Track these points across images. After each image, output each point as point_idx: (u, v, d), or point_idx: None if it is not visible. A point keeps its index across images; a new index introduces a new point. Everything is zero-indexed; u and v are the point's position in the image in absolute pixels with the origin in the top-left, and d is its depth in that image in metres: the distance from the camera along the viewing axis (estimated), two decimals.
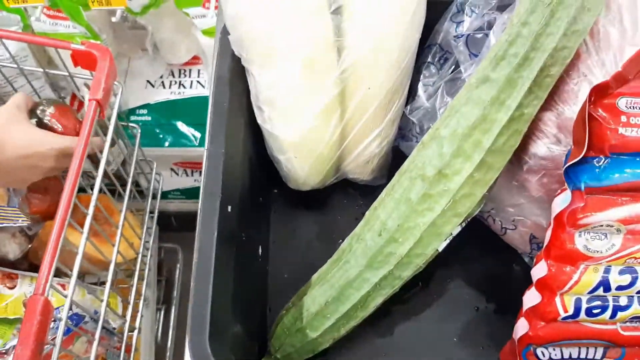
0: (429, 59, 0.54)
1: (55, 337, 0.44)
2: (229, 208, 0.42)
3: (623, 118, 0.35)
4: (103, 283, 0.71)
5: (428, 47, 0.54)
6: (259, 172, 0.54)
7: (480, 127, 0.41)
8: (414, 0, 0.46)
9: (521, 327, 0.43)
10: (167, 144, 0.94)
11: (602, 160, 0.36)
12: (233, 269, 0.42)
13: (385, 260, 0.45)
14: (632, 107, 0.35)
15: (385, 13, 0.46)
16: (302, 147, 0.51)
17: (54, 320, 0.46)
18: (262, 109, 0.49)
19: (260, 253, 0.53)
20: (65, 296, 0.46)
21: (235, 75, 0.48)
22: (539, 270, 0.41)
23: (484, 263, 0.54)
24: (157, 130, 0.94)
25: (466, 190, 0.43)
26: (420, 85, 0.54)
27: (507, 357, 0.47)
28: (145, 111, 0.96)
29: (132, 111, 0.95)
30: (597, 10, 0.38)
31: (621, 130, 0.35)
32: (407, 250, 0.44)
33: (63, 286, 0.60)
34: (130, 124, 0.67)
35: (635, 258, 0.39)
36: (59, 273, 0.53)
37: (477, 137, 0.41)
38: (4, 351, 0.60)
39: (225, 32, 0.48)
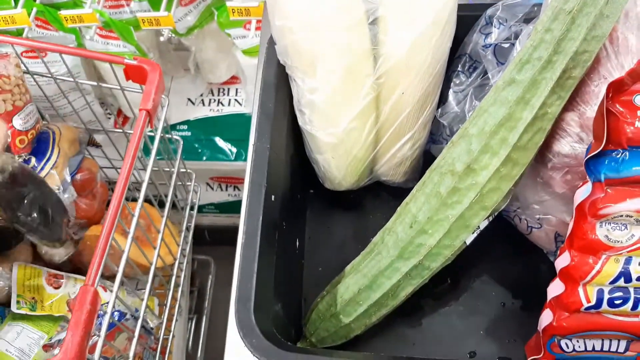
0: (459, 68, 0.58)
1: (100, 330, 0.47)
2: (273, 197, 0.46)
3: (639, 113, 0.38)
4: (141, 289, 0.75)
5: (458, 57, 0.58)
6: (298, 172, 0.58)
7: (507, 124, 0.44)
8: (445, 14, 0.50)
9: (545, 317, 0.46)
10: (205, 157, 0.99)
11: (621, 153, 0.39)
12: (275, 252, 0.46)
13: (416, 251, 0.48)
14: None
15: (419, 25, 0.50)
16: (339, 149, 0.55)
17: (99, 316, 0.49)
18: (304, 112, 0.54)
19: (297, 246, 0.57)
20: (111, 291, 0.49)
21: (279, 81, 0.53)
22: (562, 261, 0.43)
23: (511, 262, 0.56)
24: (196, 145, 1.00)
25: (493, 184, 0.45)
26: (450, 92, 0.57)
27: (532, 350, 0.49)
28: (185, 127, 1.02)
29: (173, 127, 1.01)
30: (615, 17, 0.41)
31: (638, 124, 0.38)
32: (437, 242, 0.47)
33: (104, 289, 0.64)
34: (174, 136, 0.72)
35: None
36: (102, 277, 0.58)
37: (504, 134, 0.44)
38: (49, 344, 0.64)
39: (271, 42, 0.53)
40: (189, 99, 1.05)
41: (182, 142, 0.73)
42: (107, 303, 0.59)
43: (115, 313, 0.64)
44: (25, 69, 0.64)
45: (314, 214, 0.62)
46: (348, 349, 0.51)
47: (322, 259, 0.58)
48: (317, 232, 0.61)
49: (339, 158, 0.56)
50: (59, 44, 0.61)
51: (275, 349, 0.38)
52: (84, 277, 0.62)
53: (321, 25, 0.48)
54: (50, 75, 0.65)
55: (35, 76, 0.67)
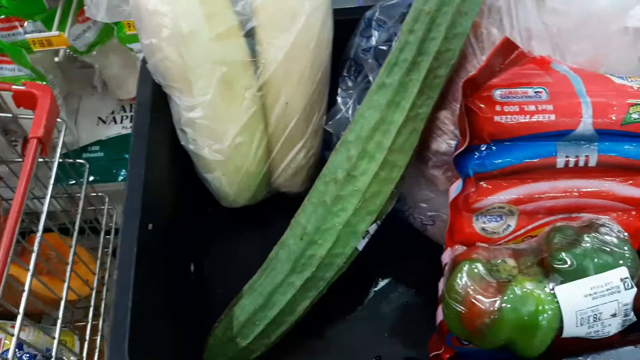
0: (345, 73, 0.57)
1: None
2: (150, 226, 0.44)
3: (497, 107, 0.38)
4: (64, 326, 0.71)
5: (343, 61, 0.57)
6: (189, 192, 0.56)
7: (380, 128, 0.44)
8: (319, 18, 0.50)
9: (440, 313, 0.46)
10: (121, 178, 0.94)
11: (485, 148, 0.40)
12: (158, 285, 0.44)
13: (308, 263, 0.47)
14: (506, 97, 0.39)
15: (292, 31, 0.49)
16: (228, 165, 0.53)
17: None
18: (185, 131, 0.52)
19: (192, 270, 0.54)
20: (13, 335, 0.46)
21: (157, 101, 0.51)
22: (446, 256, 0.44)
23: (411, 261, 0.56)
24: (110, 166, 0.95)
25: (375, 189, 0.45)
26: (338, 97, 0.57)
27: (434, 346, 0.49)
28: (97, 147, 0.97)
29: (85, 148, 0.96)
30: (473, 13, 0.42)
31: (496, 118, 0.38)
32: (327, 251, 0.47)
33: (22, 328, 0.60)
34: (78, 161, 0.69)
35: (532, 236, 0.42)
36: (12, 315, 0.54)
37: (378, 138, 0.44)
38: None
39: (144, 61, 0.51)
40: (99, 118, 1.00)
41: (87, 166, 0.69)
42: (18, 345, 0.56)
43: (25, 356, 0.60)
44: None
45: (214, 233, 0.60)
46: None
47: (223, 281, 0.56)
48: (217, 252, 0.59)
49: (229, 175, 0.54)
50: None
51: None
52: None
53: (188, 38, 0.47)
54: None
55: None
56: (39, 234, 0.49)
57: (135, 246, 0.41)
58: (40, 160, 0.56)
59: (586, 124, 0.38)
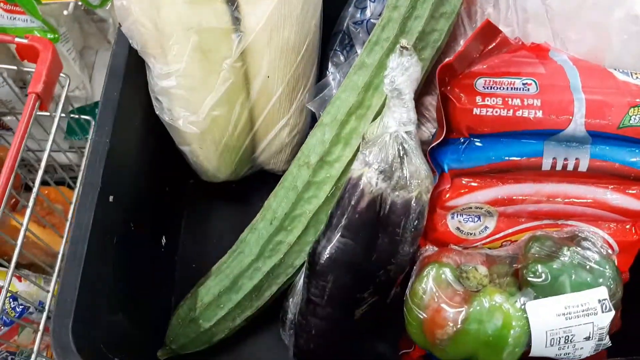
0: (336, 47, 0.53)
1: None
2: (111, 198, 0.42)
3: (478, 99, 0.34)
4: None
5: (334, 34, 0.54)
6: (167, 163, 0.54)
7: (357, 112, 0.41)
8: None
9: None
10: None
11: (463, 142, 0.36)
12: (114, 259, 0.42)
13: (276, 249, 0.45)
14: (489, 88, 0.35)
15: None
16: (205, 138, 0.51)
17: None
18: (160, 100, 0.49)
19: (164, 243, 0.53)
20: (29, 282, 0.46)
21: (131, 66, 0.48)
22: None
23: None
24: None
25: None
26: (328, 72, 0.53)
27: (405, 343, 0.46)
28: None
29: (97, 104, 0.94)
30: None
31: (476, 110, 0.34)
32: (296, 238, 0.44)
33: (19, 278, 0.61)
34: (83, 117, 0.67)
35: (512, 241, 0.39)
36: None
37: (354, 124, 0.41)
38: None
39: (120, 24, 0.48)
40: None
41: (93, 122, 0.68)
42: (13, 296, 0.57)
43: (18, 307, 0.61)
44: None
45: (193, 205, 0.58)
46: (211, 354, 0.48)
47: (198, 255, 0.55)
48: (194, 226, 0.57)
49: (206, 148, 0.52)
50: None
51: None
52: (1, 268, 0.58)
53: (160, 1, 0.43)
54: None
55: None
56: (36, 187, 0.48)
57: (92, 219, 0.40)
58: (46, 114, 0.56)
59: (577, 124, 0.34)
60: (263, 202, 0.49)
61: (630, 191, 0.37)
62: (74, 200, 0.60)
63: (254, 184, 0.59)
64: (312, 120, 0.55)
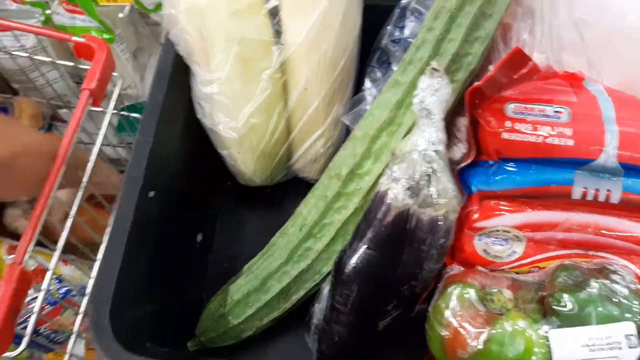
0: (374, 63, 0.55)
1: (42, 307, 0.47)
2: (151, 193, 0.45)
3: (508, 123, 0.35)
4: None
5: (373, 51, 0.55)
6: (207, 165, 0.56)
7: (388, 129, 0.42)
8: (344, 4, 0.47)
9: None
10: None
11: (492, 165, 0.37)
12: (151, 252, 0.45)
13: (305, 255, 0.47)
14: (520, 113, 0.35)
15: (315, 14, 0.47)
16: (243, 144, 0.53)
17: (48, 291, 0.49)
18: (202, 105, 0.52)
19: (199, 240, 0.55)
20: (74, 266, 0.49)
21: (177, 70, 0.51)
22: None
23: None
24: None
25: None
26: (364, 88, 0.55)
27: None
28: None
29: None
30: (499, 17, 0.38)
31: (505, 135, 0.35)
32: (324, 246, 0.46)
33: (65, 262, 0.64)
34: (132, 115, 0.71)
35: (540, 267, 0.39)
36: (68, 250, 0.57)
37: (385, 139, 0.42)
38: None
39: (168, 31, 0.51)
40: None
41: None
42: (58, 278, 0.60)
43: (63, 289, 0.65)
44: None
45: (229, 207, 0.60)
46: (238, 350, 0.50)
47: (230, 255, 0.57)
48: (229, 226, 0.59)
49: (244, 154, 0.54)
50: (19, 19, 0.60)
51: (123, 352, 0.37)
52: (48, 251, 0.62)
53: (207, 11, 0.46)
54: (5, 51, 0.64)
55: None
56: (86, 177, 0.51)
57: (133, 212, 0.42)
58: (99, 110, 0.59)
59: (609, 155, 0.34)
60: (295, 209, 0.51)
61: None
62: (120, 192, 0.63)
63: (288, 190, 0.61)
64: (347, 132, 0.57)
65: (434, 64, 0.34)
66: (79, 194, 0.51)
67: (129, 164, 0.45)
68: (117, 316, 0.39)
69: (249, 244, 0.58)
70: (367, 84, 0.54)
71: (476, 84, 0.34)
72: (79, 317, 0.54)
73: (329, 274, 0.47)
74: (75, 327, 0.54)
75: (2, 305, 0.41)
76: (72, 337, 0.53)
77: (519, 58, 0.33)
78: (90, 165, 0.52)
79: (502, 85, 0.34)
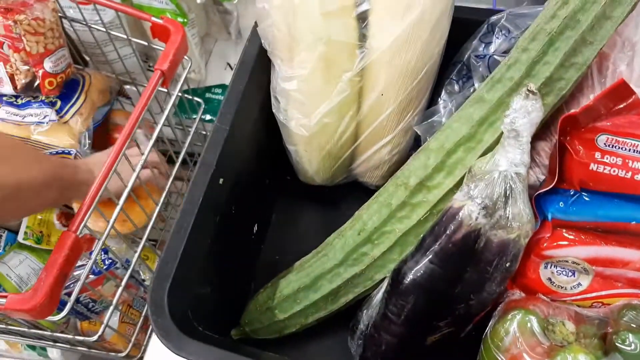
0: (454, 76, 0.54)
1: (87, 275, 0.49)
2: (221, 180, 0.46)
3: (597, 155, 0.34)
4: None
5: (454, 64, 0.54)
6: (271, 157, 0.57)
7: (466, 144, 0.41)
8: (435, 14, 0.47)
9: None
10: None
11: (572, 194, 0.36)
12: (213, 236, 0.45)
13: (360, 259, 0.47)
14: (611, 146, 0.34)
15: (404, 24, 0.47)
16: (312, 142, 0.53)
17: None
18: (279, 100, 0.52)
19: (255, 231, 0.56)
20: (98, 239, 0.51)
21: (259, 64, 0.52)
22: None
23: None
24: None
25: (445, 205, 0.43)
26: (440, 99, 0.54)
27: None
28: (220, 90, 1.01)
29: (209, 89, 1.00)
30: (600, 45, 0.37)
31: (592, 166, 0.34)
32: (381, 253, 0.45)
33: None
34: (195, 99, 0.73)
35: (603, 304, 0.38)
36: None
37: (461, 154, 0.41)
38: None
39: (256, 24, 0.52)
40: (227, 63, 1.04)
41: (203, 105, 0.73)
42: (105, 249, 0.62)
43: (108, 261, 0.66)
44: (62, 14, 0.66)
45: (285, 201, 0.61)
46: (280, 345, 0.50)
47: (282, 249, 0.58)
48: (284, 220, 0.60)
49: (311, 152, 0.54)
50: None
51: (176, 332, 0.37)
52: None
53: (298, 9, 0.47)
54: (84, 23, 0.67)
55: (72, 22, 0.68)
56: (145, 154, 0.52)
57: (202, 196, 0.43)
58: (164, 90, 0.60)
59: None
60: (351, 212, 0.51)
61: None
62: (172, 173, 0.64)
63: (345, 193, 0.61)
64: (415, 143, 0.57)
65: (531, 86, 0.33)
66: (136, 170, 0.52)
67: (204, 149, 0.46)
68: (174, 295, 0.40)
69: (301, 240, 0.58)
70: (444, 96, 0.53)
71: (573, 111, 0.33)
72: (120, 290, 0.55)
73: (380, 281, 0.47)
74: (115, 299, 0.55)
75: (53, 269, 0.43)
76: (110, 309, 0.54)
77: (622, 91, 0.32)
78: (150, 143, 0.53)
79: (598, 116, 0.33)
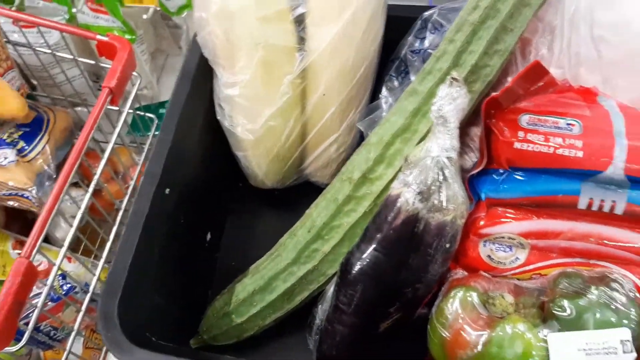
0: (392, 72, 0.56)
1: (45, 303, 0.47)
2: (167, 190, 0.46)
3: (521, 134, 0.36)
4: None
5: (392, 60, 0.56)
6: (220, 165, 0.58)
7: (403, 135, 0.43)
8: (367, 13, 0.49)
9: None
10: None
11: (502, 173, 0.37)
12: (163, 247, 0.45)
13: (312, 256, 0.47)
14: (533, 124, 0.36)
15: (339, 24, 0.48)
16: (259, 146, 0.54)
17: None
18: (223, 107, 0.53)
19: (208, 239, 0.56)
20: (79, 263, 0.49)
21: (201, 73, 0.52)
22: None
23: None
24: None
25: None
26: (381, 96, 0.56)
27: None
28: None
29: (162, 104, 1.00)
30: (520, 31, 0.39)
31: (517, 145, 0.36)
32: (331, 248, 0.46)
33: (69, 259, 0.65)
34: (147, 115, 0.72)
35: (541, 275, 0.40)
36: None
37: (399, 146, 0.43)
38: None
39: (195, 33, 0.52)
40: None
41: (156, 121, 0.72)
42: (62, 275, 0.60)
43: (66, 286, 0.65)
44: (6, 38, 0.65)
45: (239, 207, 0.61)
46: (240, 349, 0.50)
47: (238, 255, 0.58)
48: (238, 226, 0.60)
49: (259, 156, 0.55)
50: (44, 16, 0.62)
51: (128, 344, 0.37)
52: (55, 248, 0.63)
53: (236, 15, 0.47)
54: (29, 47, 0.66)
55: (17, 47, 0.67)
56: (97, 175, 0.51)
57: (148, 207, 0.43)
58: (115, 109, 0.60)
59: (617, 167, 0.35)
60: (303, 211, 0.52)
61: None
62: (128, 192, 0.64)
63: (298, 193, 0.62)
64: (360, 139, 0.58)
65: (454, 73, 0.35)
66: (89, 191, 0.51)
67: (149, 160, 0.46)
68: (125, 308, 0.40)
69: (257, 245, 0.58)
70: (384, 92, 0.55)
71: (493, 94, 0.35)
72: (80, 315, 0.54)
73: (333, 276, 0.48)
74: (76, 325, 0.54)
75: (8, 297, 0.41)
76: (72, 335, 0.53)
77: (538, 71, 0.34)
78: (103, 162, 0.53)
79: (518, 97, 0.35)
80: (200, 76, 0.52)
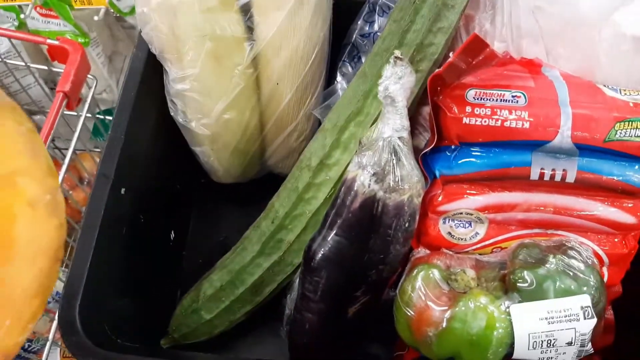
0: (345, 57, 0.56)
1: None
2: (123, 190, 0.45)
3: (468, 109, 0.36)
4: None
5: (344, 46, 0.56)
6: (179, 161, 0.57)
7: (356, 119, 0.43)
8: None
9: None
10: None
11: (454, 149, 0.38)
12: (123, 248, 0.45)
13: (277, 247, 0.47)
14: (480, 99, 0.36)
15: (285, 10, 0.48)
16: (217, 141, 0.53)
17: None
18: (175, 103, 0.52)
19: (172, 238, 0.55)
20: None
21: (150, 69, 0.51)
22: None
23: None
24: None
25: None
26: (336, 82, 0.56)
27: (401, 345, 0.48)
28: None
29: None
30: (461, 7, 0.39)
31: (465, 120, 0.36)
32: (295, 237, 0.46)
33: None
34: (108, 117, 0.71)
35: (501, 248, 0.40)
36: None
37: (353, 129, 0.43)
38: None
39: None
40: None
41: None
42: None
43: None
44: None
45: (202, 204, 0.61)
46: (212, 346, 0.50)
47: (204, 252, 0.57)
48: (203, 223, 0.60)
49: (218, 150, 0.54)
50: None
51: (91, 347, 0.37)
52: None
53: (178, 8, 0.46)
54: None
55: None
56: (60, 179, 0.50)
57: (103, 209, 0.42)
58: (73, 114, 0.59)
59: (564, 136, 0.35)
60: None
61: (618, 204, 0.38)
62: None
63: (262, 186, 0.61)
64: (319, 126, 0.58)
65: (397, 52, 0.35)
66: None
67: (100, 161, 0.45)
68: (86, 312, 0.39)
69: (224, 240, 0.58)
70: (339, 77, 0.55)
71: (437, 70, 0.35)
72: (54, 324, 0.53)
73: (300, 265, 0.48)
74: (51, 335, 0.53)
75: None
76: (47, 345, 0.52)
77: (477, 44, 0.34)
78: (64, 168, 0.52)
79: (461, 72, 0.36)
80: (150, 72, 0.51)
